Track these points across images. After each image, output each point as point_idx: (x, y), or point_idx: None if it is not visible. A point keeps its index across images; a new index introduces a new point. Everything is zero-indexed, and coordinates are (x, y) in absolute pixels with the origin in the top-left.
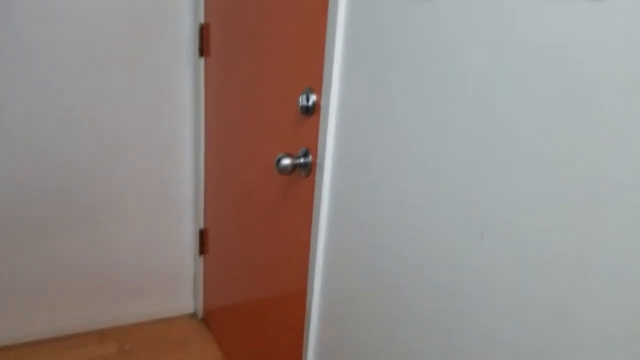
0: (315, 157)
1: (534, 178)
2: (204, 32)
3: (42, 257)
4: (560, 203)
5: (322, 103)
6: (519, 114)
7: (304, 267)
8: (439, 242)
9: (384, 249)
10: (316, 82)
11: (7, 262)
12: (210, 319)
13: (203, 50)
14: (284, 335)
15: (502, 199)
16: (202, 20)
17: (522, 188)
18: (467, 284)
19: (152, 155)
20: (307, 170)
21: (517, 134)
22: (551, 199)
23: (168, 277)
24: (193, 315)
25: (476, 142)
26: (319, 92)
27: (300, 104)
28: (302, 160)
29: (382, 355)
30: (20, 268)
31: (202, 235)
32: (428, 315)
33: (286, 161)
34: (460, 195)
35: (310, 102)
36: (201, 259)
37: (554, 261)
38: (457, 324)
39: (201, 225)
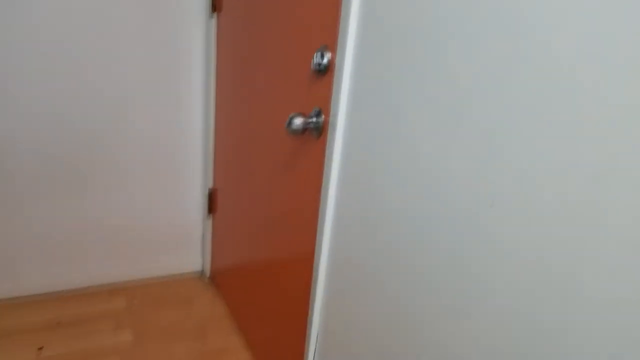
0: (328, 116)
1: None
2: None
3: (55, 214)
4: (570, 171)
5: (337, 61)
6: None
7: (312, 229)
8: (450, 207)
9: (394, 213)
10: (331, 40)
11: (21, 218)
12: (217, 278)
13: (215, 6)
14: (290, 295)
15: (513, 167)
16: None
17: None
18: (476, 249)
19: (162, 114)
20: (318, 132)
21: (529, 103)
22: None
23: (177, 236)
24: (201, 274)
25: (494, 108)
26: (333, 50)
27: (315, 62)
28: (314, 119)
29: (387, 317)
30: (33, 224)
31: (211, 195)
32: (436, 281)
33: (298, 121)
34: (474, 161)
35: (325, 60)
36: (210, 219)
37: (562, 235)
38: (465, 288)
39: (210, 185)
